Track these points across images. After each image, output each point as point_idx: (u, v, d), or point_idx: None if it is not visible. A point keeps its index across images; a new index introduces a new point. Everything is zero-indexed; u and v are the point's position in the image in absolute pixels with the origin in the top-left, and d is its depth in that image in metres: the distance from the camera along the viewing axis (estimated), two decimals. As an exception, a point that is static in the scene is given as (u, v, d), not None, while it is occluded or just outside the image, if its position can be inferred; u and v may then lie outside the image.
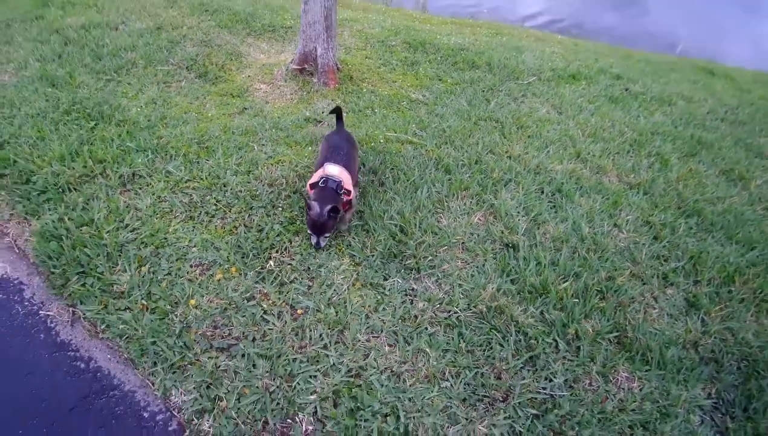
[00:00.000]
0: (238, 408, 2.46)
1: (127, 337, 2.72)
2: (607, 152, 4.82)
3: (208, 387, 2.54)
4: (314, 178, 3.27)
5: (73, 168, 3.65)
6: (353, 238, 3.37)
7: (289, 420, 2.45)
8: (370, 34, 7.26)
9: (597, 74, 7.04)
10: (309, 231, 3.19)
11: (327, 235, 3.18)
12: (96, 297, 2.88)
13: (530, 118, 5.22)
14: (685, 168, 4.81)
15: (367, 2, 10.25)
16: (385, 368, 2.67)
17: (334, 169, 3.23)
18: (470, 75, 6.20)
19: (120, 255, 3.09)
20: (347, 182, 3.23)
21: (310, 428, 2.43)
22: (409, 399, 2.55)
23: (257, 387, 2.54)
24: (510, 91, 5.91)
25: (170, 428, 2.45)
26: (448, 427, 2.48)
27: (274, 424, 2.43)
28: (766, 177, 5.00)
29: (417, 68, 6.29)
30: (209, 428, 2.41)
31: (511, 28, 9.58)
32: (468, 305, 3.03)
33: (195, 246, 3.19)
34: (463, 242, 3.44)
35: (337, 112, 3.91)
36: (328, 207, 3.03)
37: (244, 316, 2.83)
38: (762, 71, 11.22)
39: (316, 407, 2.49)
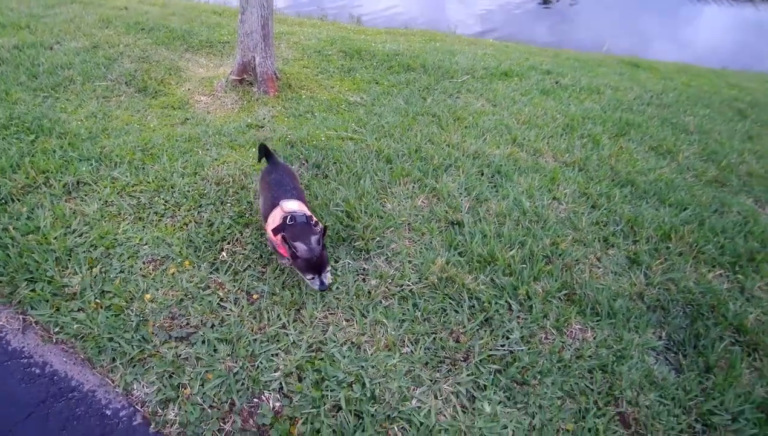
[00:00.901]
0: (203, 393, 2.49)
1: (83, 337, 2.71)
2: (541, 136, 5.08)
3: (170, 377, 2.56)
4: (275, 222, 2.91)
5: (15, 179, 3.61)
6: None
7: (255, 399, 2.50)
8: (307, 45, 7.39)
9: (528, 71, 7.36)
10: (307, 276, 2.82)
11: (328, 269, 2.86)
12: (47, 301, 2.86)
13: (466, 111, 5.44)
14: (615, 146, 5.13)
15: (302, 17, 10.38)
16: (345, 341, 2.76)
17: (292, 205, 2.96)
18: (406, 77, 6.40)
19: (69, 259, 3.08)
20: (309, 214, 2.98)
21: (278, 404, 2.48)
22: (372, 367, 2.64)
23: (220, 370, 2.58)
24: (445, 89, 6.13)
25: (135, 423, 2.44)
26: (414, 389, 2.58)
27: (241, 404, 2.47)
28: (693, 149, 5.40)
29: (354, 74, 6.45)
30: (175, 416, 2.43)
31: (444, 35, 9.87)
32: (419, 278, 3.16)
33: (146, 244, 3.21)
34: (408, 223, 3.57)
35: (264, 149, 3.46)
36: (316, 238, 2.78)
37: (200, 305, 2.87)
38: (683, 62, 11.92)
39: (281, 383, 2.54)
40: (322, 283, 2.80)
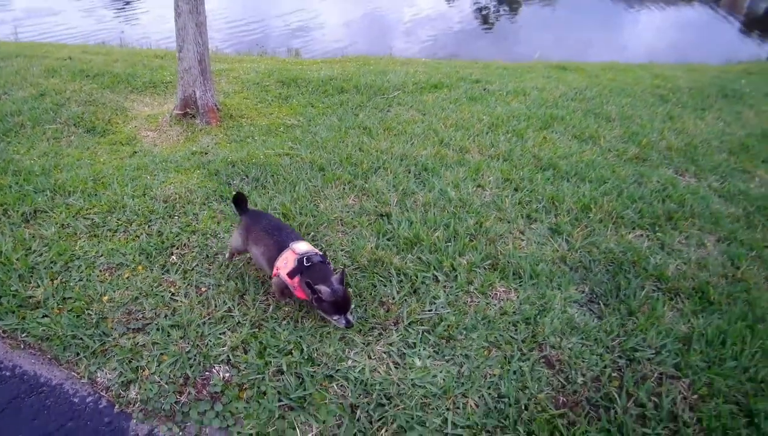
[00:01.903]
0: (160, 372, 2.81)
1: (48, 338, 3.00)
2: (467, 136, 5.57)
3: (129, 362, 2.87)
4: (288, 266, 2.95)
5: (-26, 213, 3.93)
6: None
7: (207, 372, 2.83)
8: (246, 79, 7.84)
9: (457, 82, 7.92)
10: (334, 317, 2.92)
11: (353, 307, 3.00)
12: (13, 312, 3.15)
13: (396, 122, 5.92)
14: (539, 137, 5.64)
15: (241, 55, 10.83)
16: (285, 317, 3.12)
17: (303, 246, 3.01)
18: (339, 98, 6.88)
19: (32, 275, 3.39)
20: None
21: (227, 374, 2.81)
22: (310, 335, 3.00)
23: (174, 351, 2.91)
24: (377, 104, 6.62)
25: (100, 406, 2.74)
26: (348, 351, 2.94)
27: (194, 377, 2.80)
28: (614, 133, 5.98)
29: (291, 100, 6.91)
30: (136, 395, 2.73)
31: (378, 58, 10.39)
32: (351, 261, 3.55)
33: (102, 256, 3.55)
34: (341, 219, 3.98)
35: (239, 198, 3.42)
36: (337, 277, 2.87)
37: (154, 299, 3.21)
38: (612, 61, 12.71)
39: (229, 356, 2.89)
40: (348, 321, 2.90)
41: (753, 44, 18.57)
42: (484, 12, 20.78)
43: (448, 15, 19.78)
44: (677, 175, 5.16)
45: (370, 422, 2.60)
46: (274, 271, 3.04)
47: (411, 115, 6.24)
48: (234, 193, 3.47)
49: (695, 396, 2.81)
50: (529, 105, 6.85)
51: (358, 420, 2.60)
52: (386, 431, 2.55)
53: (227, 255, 3.56)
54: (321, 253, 3.02)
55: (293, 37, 15.63)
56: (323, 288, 2.80)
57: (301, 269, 2.90)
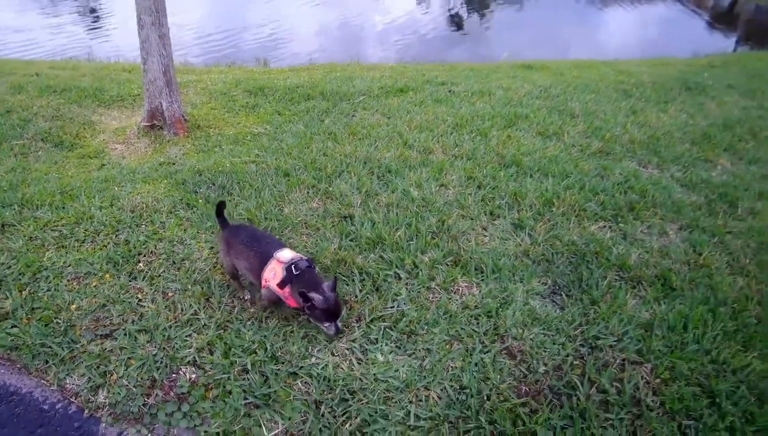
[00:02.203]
0: (128, 375, 2.89)
1: (17, 347, 3.06)
2: (432, 137, 5.71)
3: (97, 367, 2.95)
4: (277, 276, 2.97)
5: (-60, 228, 3.97)
6: (212, 233, 3.91)
7: (174, 374, 2.92)
8: (214, 89, 7.92)
9: (423, 84, 8.08)
10: (325, 324, 2.99)
11: (343, 313, 3.07)
12: (-18, 325, 3.22)
13: (361, 126, 6.05)
14: (503, 136, 5.78)
15: (209, 66, 10.89)
16: (250, 318, 3.22)
17: (286, 253, 3.04)
18: (306, 105, 7.00)
19: (0, 287, 3.45)
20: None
21: (194, 375, 2.91)
22: (274, 334, 3.11)
23: (142, 355, 2.99)
24: (342, 110, 6.75)
25: (70, 412, 2.80)
26: (312, 348, 3.04)
27: (162, 379, 2.88)
28: (578, 129, 6.16)
29: (258, 109, 7.02)
30: (105, 399, 2.81)
31: (345, 65, 10.50)
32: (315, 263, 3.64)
33: (70, 266, 3.61)
34: (305, 222, 4.08)
35: (221, 207, 3.43)
36: (329, 284, 2.92)
37: (122, 306, 3.29)
38: (577, 59, 12.99)
39: (195, 357, 2.98)
40: (338, 328, 2.98)
41: (719, 38, 19.18)
42: (455, 17, 21.01)
43: (420, 21, 19.95)
44: (640, 167, 5.34)
45: (335, 417, 2.69)
46: (263, 283, 3.05)
47: (376, 119, 6.37)
48: (217, 202, 3.44)
49: (658, 380, 2.90)
50: (494, 105, 7.00)
51: (322, 416, 2.70)
52: (350, 425, 2.65)
53: (228, 277, 3.49)
54: (306, 257, 3.06)
55: (265, 48, 15.66)
56: (316, 296, 2.83)
57: (291, 277, 2.93)
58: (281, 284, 2.95)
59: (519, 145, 5.52)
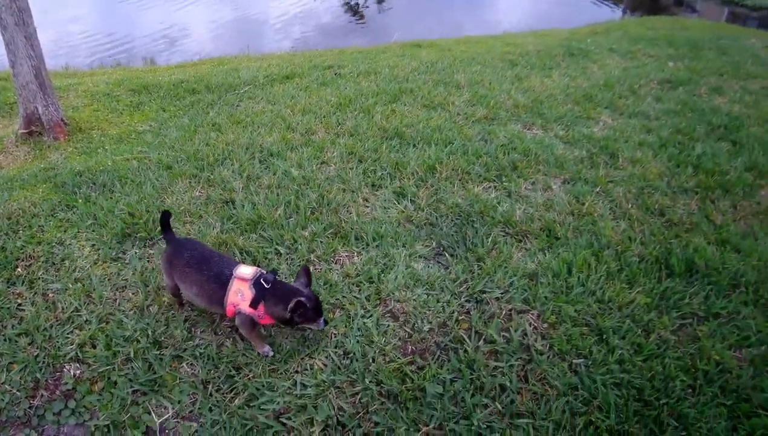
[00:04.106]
0: (10, 380, 2.88)
1: None
2: (315, 118, 5.83)
3: (-22, 377, 2.93)
4: (247, 296, 2.73)
5: None
6: (93, 231, 3.90)
7: (57, 373, 2.93)
8: (96, 91, 7.71)
9: (310, 70, 8.17)
10: (316, 322, 2.84)
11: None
12: None
13: (245, 115, 6.09)
14: (387, 111, 5.98)
15: (93, 69, 10.55)
16: (131, 309, 3.26)
17: (246, 270, 2.81)
18: (191, 99, 6.97)
19: None
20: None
21: (78, 371, 2.93)
22: (156, 321, 3.17)
23: (23, 357, 2.98)
24: (227, 101, 6.77)
25: (-45, 425, 2.80)
26: (195, 330, 3.14)
27: (45, 380, 2.89)
28: (463, 98, 6.45)
29: (143, 107, 6.93)
30: (-12, 407, 2.81)
31: (232, 58, 10.45)
32: (196, 248, 3.71)
33: (-61, 279, 3.53)
34: (188, 210, 4.12)
35: (166, 217, 3.12)
36: (303, 282, 2.83)
37: (0, 312, 3.25)
38: (470, 35, 13.43)
39: (77, 353, 3.00)
40: (324, 320, 2.86)
41: (607, 11, 20.92)
42: (353, 6, 21.15)
43: (318, 11, 20.00)
44: (524, 129, 5.67)
45: (223, 395, 2.78)
46: (229, 309, 2.79)
47: (261, 106, 6.42)
48: (162, 212, 3.12)
49: (545, 325, 3.13)
50: (380, 83, 7.19)
51: (210, 395, 2.78)
52: (239, 400, 2.75)
53: (167, 297, 3.31)
54: (264, 270, 2.87)
55: (157, 48, 15.29)
56: (302, 300, 2.63)
57: (263, 294, 2.73)
58: (253, 304, 2.72)
59: (402, 118, 5.71)
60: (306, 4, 20.66)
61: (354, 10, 20.57)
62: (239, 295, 2.74)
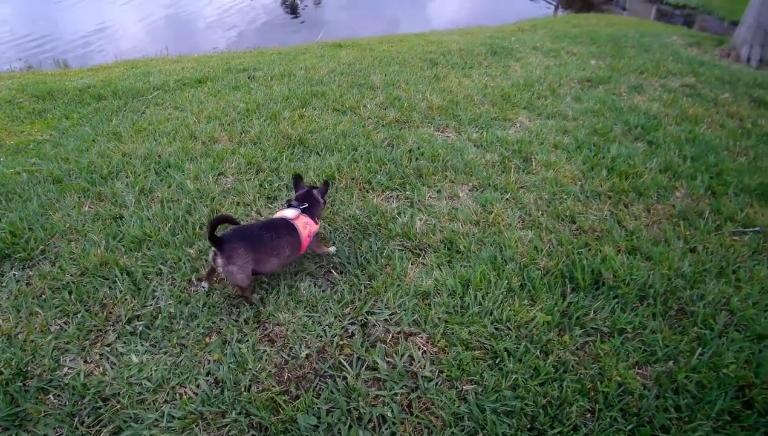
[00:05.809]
0: None
1: None
2: (219, 126, 5.74)
3: None
4: (309, 223, 3.45)
5: None
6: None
7: None
8: (-5, 97, 7.39)
9: (224, 73, 8.02)
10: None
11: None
12: None
13: (148, 122, 5.95)
14: (295, 116, 5.94)
15: (1, 73, 10.11)
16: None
17: (288, 212, 3.41)
18: (96, 106, 6.74)
19: None
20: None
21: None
22: (22, 350, 3.03)
23: None
24: (133, 107, 6.58)
25: None
26: (63, 359, 3.02)
27: None
28: (376, 101, 6.49)
29: (46, 115, 6.65)
30: None
31: (147, 60, 10.15)
32: (78, 269, 3.61)
33: None
34: (74, 228, 4.00)
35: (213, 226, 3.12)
36: (302, 185, 3.73)
37: None
38: (394, 33, 13.48)
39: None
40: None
41: (543, 5, 21.68)
42: (290, 4, 21.00)
43: (254, 10, 19.74)
44: (437, 132, 5.69)
45: (88, 428, 2.67)
46: (304, 241, 3.37)
47: (168, 113, 6.28)
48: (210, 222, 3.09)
49: (435, 349, 3.04)
50: (292, 86, 7.13)
51: (76, 428, 2.67)
52: (105, 433, 2.64)
53: (246, 294, 3.37)
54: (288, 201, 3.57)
55: (82, 49, 14.80)
56: (327, 180, 3.77)
57: (312, 209, 3.52)
58: (313, 222, 3.47)
59: (309, 124, 5.69)
60: (242, 1, 20.44)
61: (292, 8, 20.46)
62: (304, 225, 3.36)
